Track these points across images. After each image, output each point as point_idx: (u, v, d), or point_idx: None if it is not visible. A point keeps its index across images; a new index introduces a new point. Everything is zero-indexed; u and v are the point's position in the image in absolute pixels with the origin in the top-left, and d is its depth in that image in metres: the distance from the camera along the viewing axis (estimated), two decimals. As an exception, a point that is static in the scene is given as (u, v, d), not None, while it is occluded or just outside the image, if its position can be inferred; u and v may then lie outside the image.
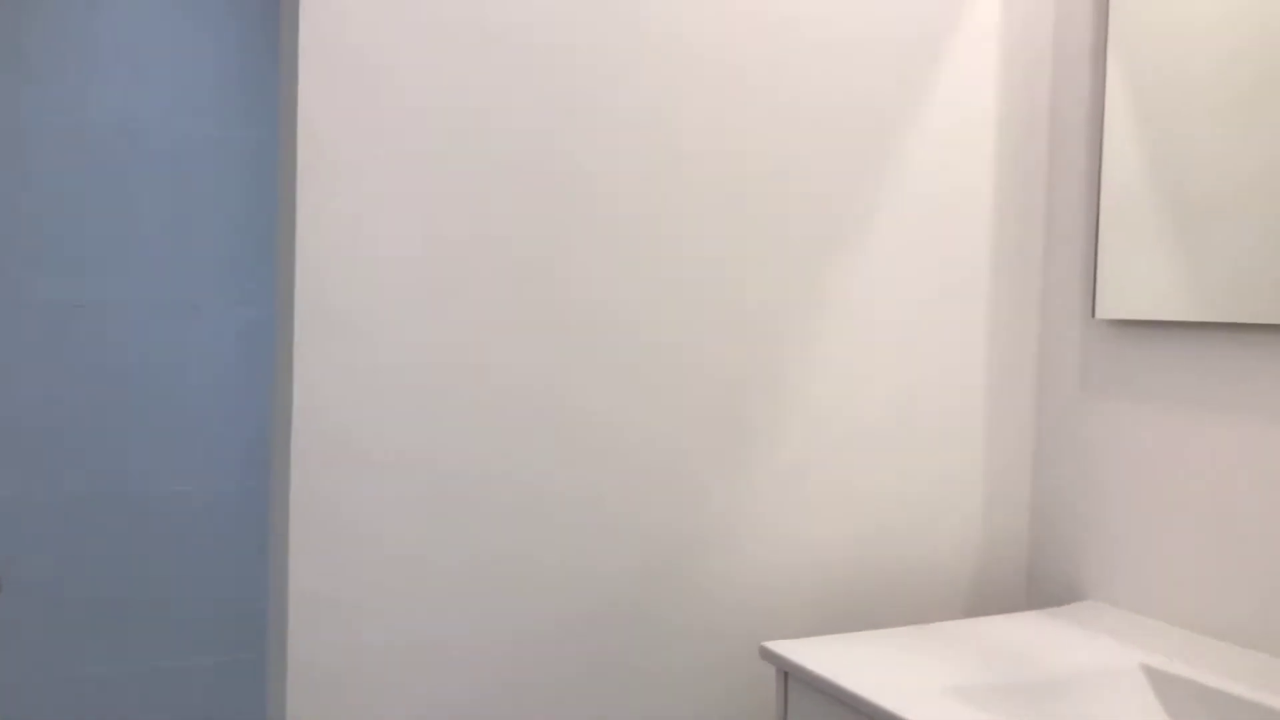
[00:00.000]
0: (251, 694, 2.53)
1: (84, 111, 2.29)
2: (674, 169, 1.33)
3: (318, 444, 1.18)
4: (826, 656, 1.23)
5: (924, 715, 1.06)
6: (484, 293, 1.25)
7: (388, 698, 1.23)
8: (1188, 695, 1.17)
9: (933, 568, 1.51)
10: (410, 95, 1.20)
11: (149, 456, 2.38)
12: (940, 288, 1.50)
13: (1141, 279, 1.39)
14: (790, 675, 1.25)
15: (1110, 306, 1.43)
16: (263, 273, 2.48)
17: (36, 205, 2.26)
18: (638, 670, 1.35)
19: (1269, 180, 1.25)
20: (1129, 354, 1.43)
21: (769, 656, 1.26)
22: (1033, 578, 1.56)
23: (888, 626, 1.49)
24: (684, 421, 1.36)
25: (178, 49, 2.39)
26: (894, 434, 1.48)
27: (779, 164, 1.39)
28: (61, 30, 2.28)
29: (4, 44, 2.23)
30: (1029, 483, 1.57)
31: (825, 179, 1.42)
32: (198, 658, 2.46)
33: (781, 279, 1.40)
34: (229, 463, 2.46)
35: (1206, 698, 1.16)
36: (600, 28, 1.29)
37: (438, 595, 1.24)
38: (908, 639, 1.30)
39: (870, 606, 1.48)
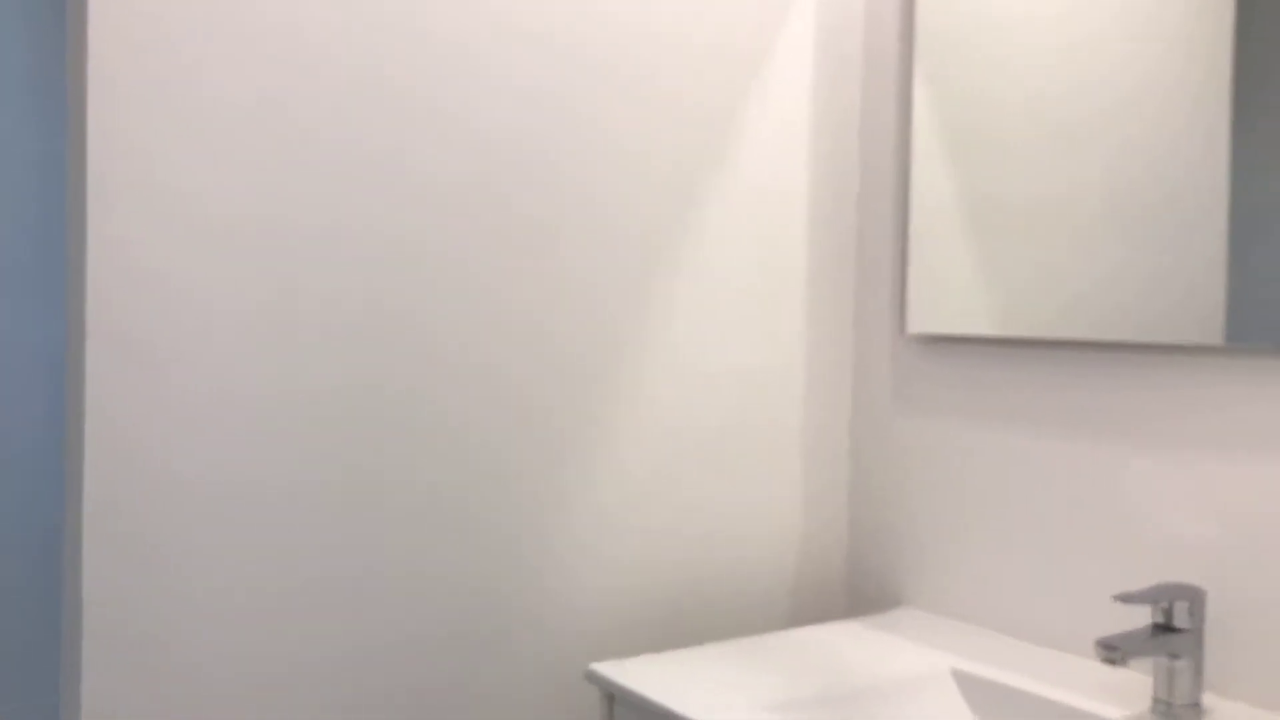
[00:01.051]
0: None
1: None
2: (487, 189, 1.32)
3: (113, 462, 1.12)
4: (651, 677, 1.23)
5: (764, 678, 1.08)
6: (299, 304, 1.20)
7: (197, 744, 1.17)
8: (993, 696, 1.23)
9: (755, 580, 1.54)
10: (204, 87, 1.15)
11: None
12: (759, 306, 1.53)
13: (946, 296, 1.45)
14: (615, 698, 1.25)
15: (918, 322, 1.49)
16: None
17: None
18: (467, 693, 1.33)
19: (1060, 206, 1.32)
20: (937, 368, 1.49)
21: (594, 679, 1.26)
22: (851, 586, 1.61)
23: (713, 639, 1.51)
24: (508, 447, 1.34)
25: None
26: (714, 450, 1.50)
27: (596, 187, 1.39)
28: None
29: None
30: (846, 494, 1.61)
31: (646, 202, 1.43)
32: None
33: (603, 299, 1.40)
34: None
35: (1011, 698, 1.21)
36: (398, 46, 1.26)
37: (256, 619, 1.19)
38: (731, 654, 1.32)
39: (696, 621, 1.49)
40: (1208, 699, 1.18)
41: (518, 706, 1.37)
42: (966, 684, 1.26)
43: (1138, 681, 1.24)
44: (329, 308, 1.22)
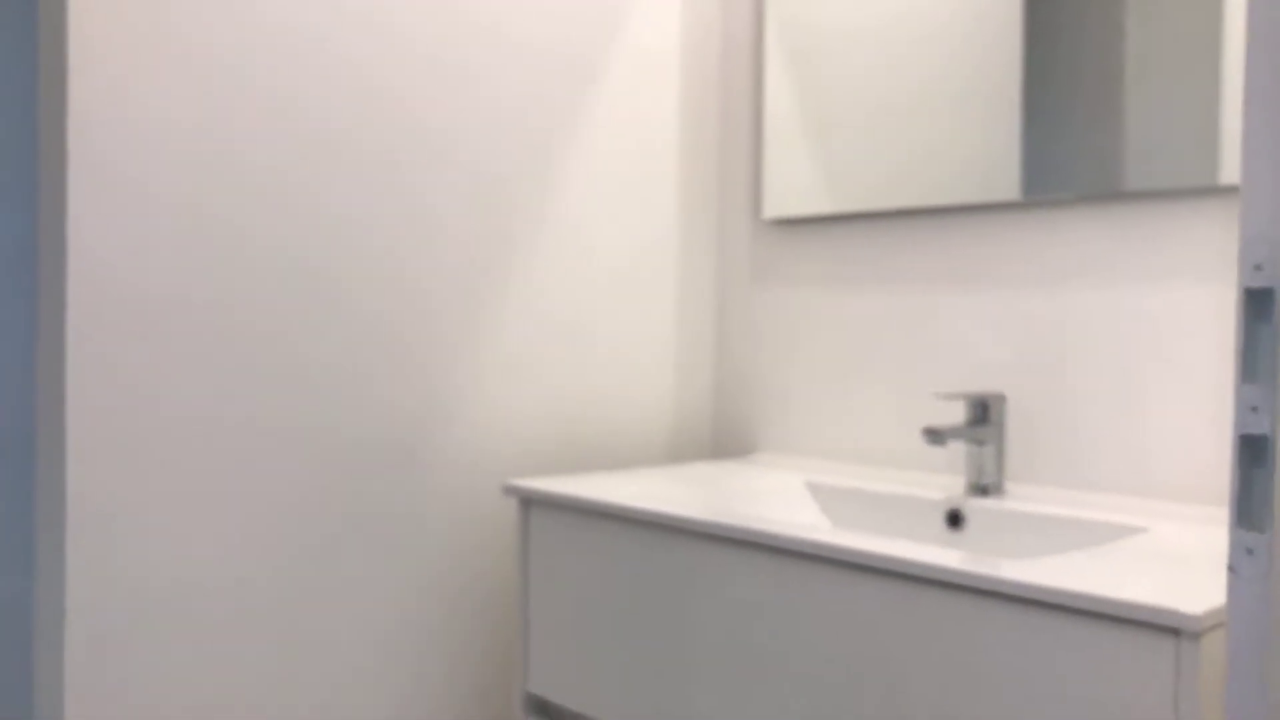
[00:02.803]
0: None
1: None
2: (393, 92, 1.51)
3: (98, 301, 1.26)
4: (559, 485, 1.45)
5: (646, 503, 1.31)
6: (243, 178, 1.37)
7: (159, 546, 1.32)
8: (838, 496, 1.50)
9: (634, 432, 1.77)
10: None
11: None
12: (638, 198, 1.76)
13: (793, 184, 1.71)
14: (532, 501, 1.46)
15: (771, 208, 1.75)
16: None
17: None
18: (393, 518, 1.51)
19: (881, 101, 1.60)
20: (787, 246, 1.76)
21: (511, 490, 1.46)
22: (716, 436, 1.86)
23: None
24: (430, 302, 1.53)
25: None
26: (599, 319, 1.73)
27: (492, 93, 1.60)
28: None
29: None
30: (711, 358, 1.87)
31: (529, 111, 1.64)
32: None
33: (506, 195, 1.61)
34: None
35: (854, 496, 1.48)
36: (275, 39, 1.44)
37: (215, 452, 1.35)
38: (622, 475, 1.55)
39: (584, 460, 1.71)
40: (1007, 485, 1.48)
41: (437, 521, 1.56)
42: (817, 491, 1.52)
43: (956, 486, 1.52)
44: (258, 197, 1.39)
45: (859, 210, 1.64)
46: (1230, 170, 1.27)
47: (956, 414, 1.55)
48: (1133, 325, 1.36)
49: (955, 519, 1.38)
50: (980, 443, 1.42)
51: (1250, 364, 0.61)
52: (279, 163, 1.40)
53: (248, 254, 1.38)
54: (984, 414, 1.42)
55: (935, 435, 1.37)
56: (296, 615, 1.44)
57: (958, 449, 1.54)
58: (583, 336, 1.71)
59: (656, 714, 1.29)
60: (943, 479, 1.53)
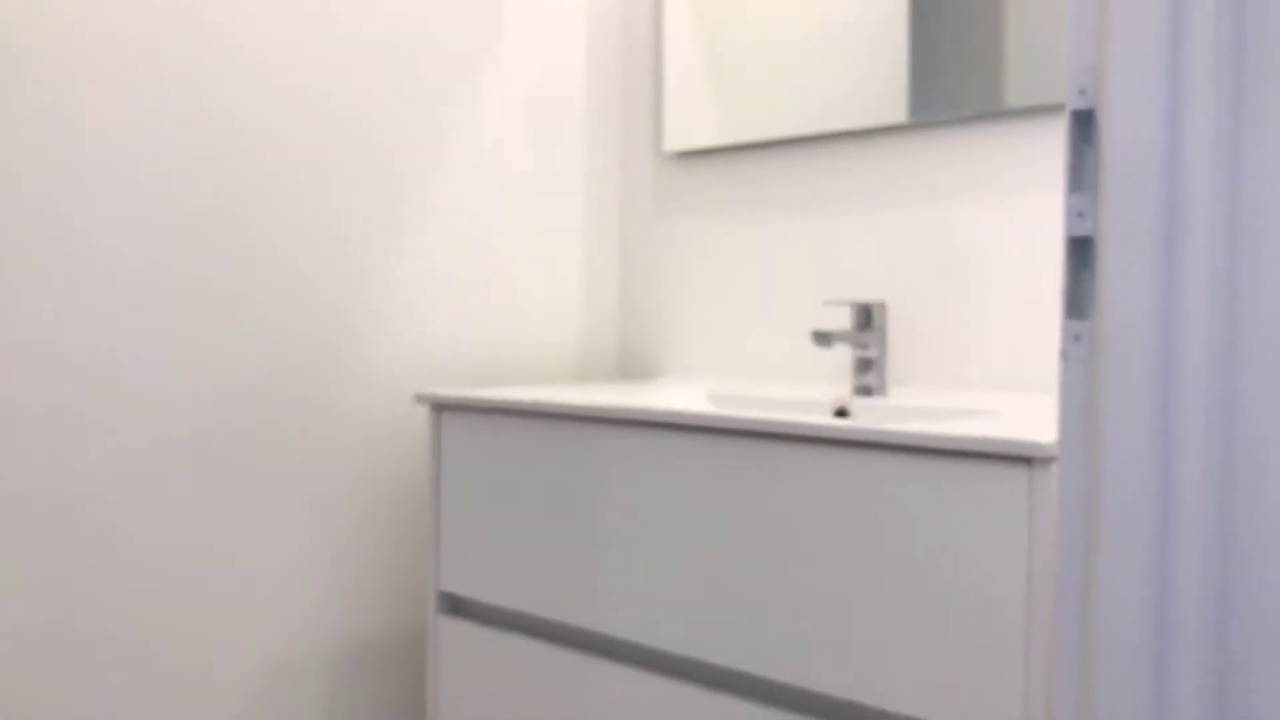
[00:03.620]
0: None
1: None
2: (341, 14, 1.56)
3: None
4: (469, 391, 1.52)
5: (558, 395, 1.39)
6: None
7: (58, 473, 1.35)
8: (732, 399, 1.59)
9: (542, 353, 1.84)
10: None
11: None
12: (543, 133, 1.83)
13: (693, 118, 1.81)
14: (443, 407, 1.52)
15: (672, 141, 1.84)
16: None
17: None
18: (307, 438, 1.56)
19: (772, 36, 1.70)
20: (688, 177, 1.85)
21: (423, 397, 1.53)
22: (621, 360, 1.95)
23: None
24: (340, 230, 1.59)
25: None
26: (511, 247, 1.79)
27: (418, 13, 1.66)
28: None
29: None
30: (617, 286, 1.95)
31: (436, 43, 1.70)
32: None
33: (418, 120, 1.66)
34: None
35: (746, 399, 1.58)
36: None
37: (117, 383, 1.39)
38: (529, 388, 1.62)
39: (492, 383, 1.78)
40: (890, 388, 1.59)
41: (349, 437, 1.61)
42: (716, 398, 1.62)
43: (845, 392, 1.63)
44: (182, 129, 1.43)
45: (754, 140, 1.73)
46: (1086, 89, 1.40)
47: (844, 323, 1.65)
48: (1008, 236, 1.48)
49: (841, 414, 1.49)
50: (864, 347, 1.53)
51: (1077, 176, 0.72)
52: (178, 74, 1.44)
53: (143, 182, 1.42)
54: (868, 320, 1.53)
55: (823, 337, 1.47)
56: (211, 534, 1.48)
57: (846, 364, 1.64)
58: (490, 265, 1.77)
59: (565, 596, 1.37)
60: (834, 388, 1.63)
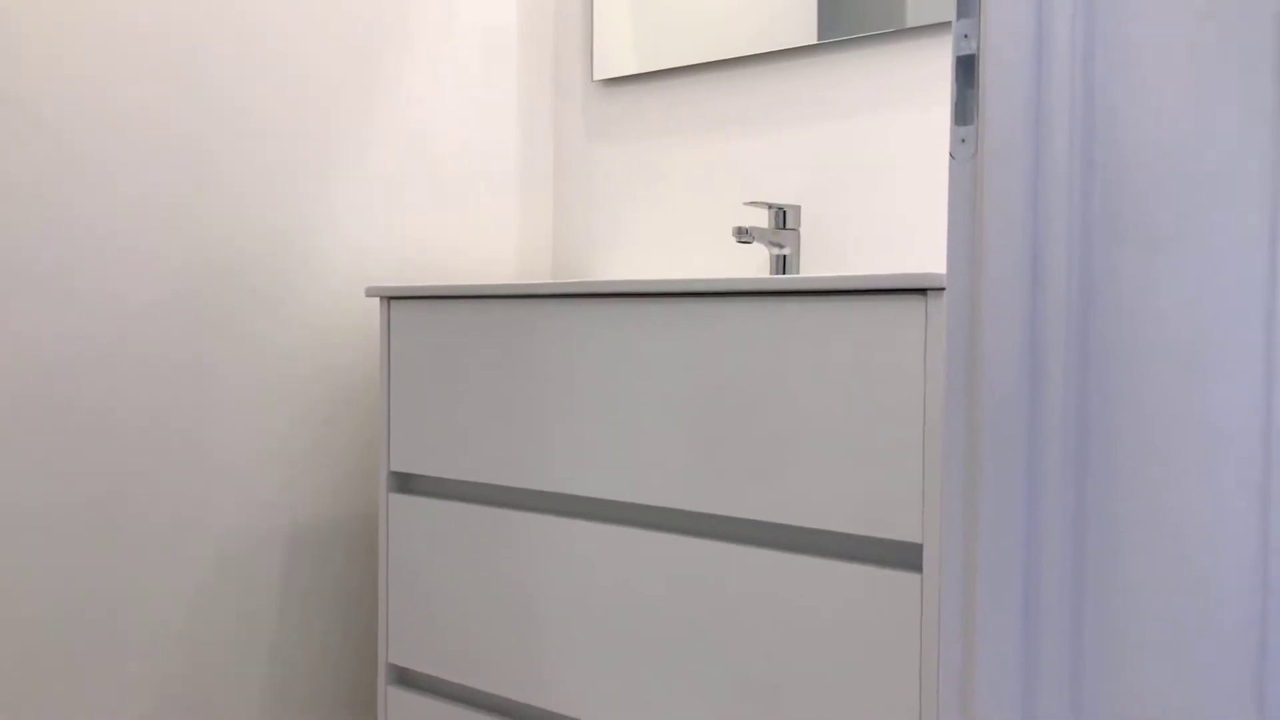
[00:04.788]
0: None
1: None
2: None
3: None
4: (419, 283, 1.63)
5: (498, 280, 1.51)
6: None
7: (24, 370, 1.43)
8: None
9: (484, 266, 1.96)
10: None
11: None
12: (479, 63, 1.94)
13: (618, 48, 1.94)
14: (393, 299, 1.63)
15: (602, 70, 1.97)
16: None
17: None
18: (266, 318, 1.66)
19: (703, -35, 1.84)
20: (617, 103, 1.98)
21: (374, 290, 1.63)
22: (557, 275, 2.07)
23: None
24: (297, 139, 1.68)
25: None
26: (447, 170, 1.90)
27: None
28: None
29: None
30: (551, 209, 2.07)
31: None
32: None
33: (360, 38, 1.77)
34: None
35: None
36: None
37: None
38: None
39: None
40: (804, 288, 1.74)
41: (308, 324, 1.71)
42: (645, 299, 1.75)
43: (760, 286, 1.78)
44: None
45: (677, 65, 1.87)
46: (977, 7, 1.56)
47: (763, 225, 1.80)
48: (910, 144, 1.64)
49: (761, 303, 1.64)
50: (780, 246, 1.68)
51: (963, 5, 0.87)
52: (157, -21, 1.52)
53: (109, 86, 1.50)
54: (783, 220, 1.68)
55: (743, 233, 1.61)
56: (172, 420, 1.57)
57: (764, 268, 1.79)
58: (431, 183, 1.88)
59: (509, 461, 1.49)
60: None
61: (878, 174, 1.67)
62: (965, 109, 0.87)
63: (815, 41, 1.71)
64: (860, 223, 1.69)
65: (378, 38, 1.79)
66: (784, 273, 1.67)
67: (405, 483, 1.65)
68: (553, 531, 1.45)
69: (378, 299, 1.75)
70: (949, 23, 1.59)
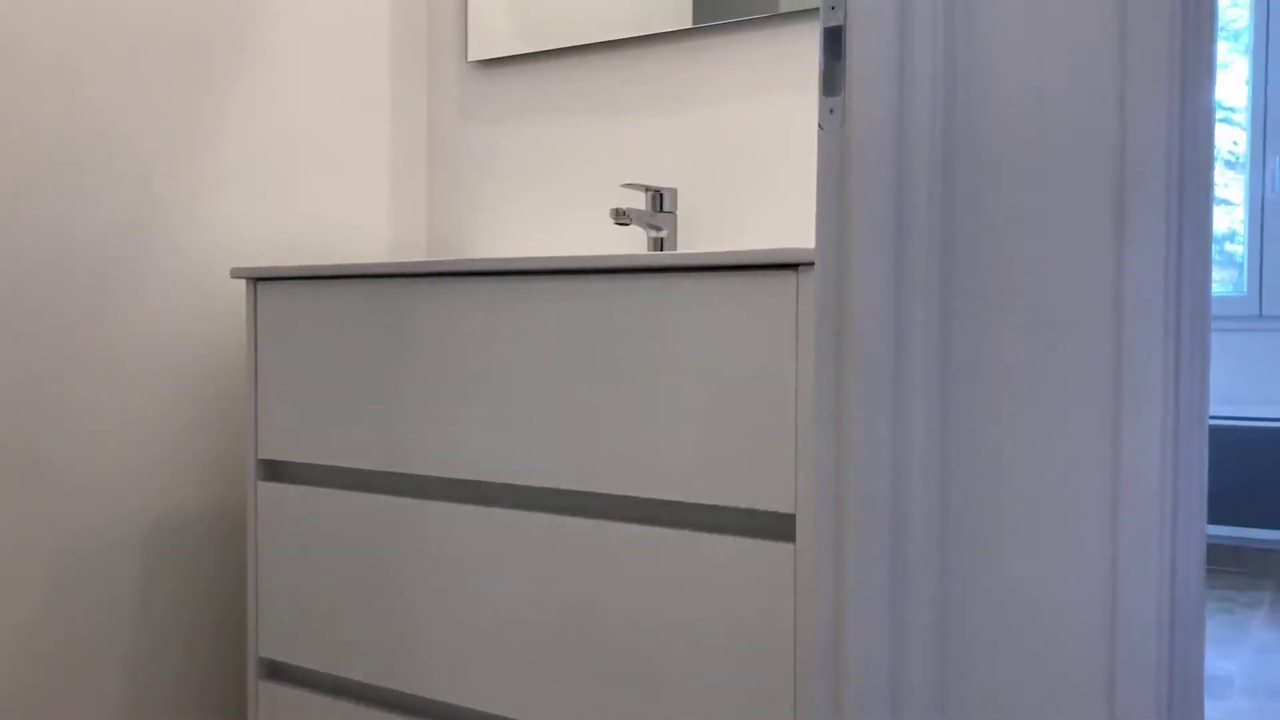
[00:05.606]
0: None
1: None
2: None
3: None
4: (286, 263, 1.59)
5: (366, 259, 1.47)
6: None
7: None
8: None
9: (354, 256, 1.91)
10: None
11: None
12: (349, 46, 1.90)
13: (494, 29, 1.92)
14: (259, 280, 1.58)
15: (476, 51, 1.95)
16: None
17: None
18: (119, 305, 1.59)
19: (579, -52, 1.83)
20: (492, 85, 1.96)
21: (239, 271, 1.58)
22: (431, 255, 2.03)
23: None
24: (155, 116, 1.62)
25: None
26: (321, 154, 1.86)
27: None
28: None
29: None
30: (425, 193, 2.04)
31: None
32: None
33: (226, 16, 1.71)
34: None
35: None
36: None
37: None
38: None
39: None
40: (681, 271, 1.74)
41: (168, 309, 1.65)
42: (522, 282, 1.73)
43: (637, 270, 1.78)
44: None
45: (553, 47, 1.86)
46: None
47: (640, 206, 1.80)
48: (783, 128, 1.66)
49: (638, 285, 1.64)
50: (657, 228, 1.68)
51: (829, 80, 0.88)
52: (3, -57, 1.45)
53: (-28, 27, 1.42)
54: (660, 203, 1.68)
55: (621, 215, 1.61)
56: (17, 413, 1.49)
57: (642, 249, 1.79)
58: (300, 164, 1.83)
59: (383, 452, 1.46)
60: (628, 272, 1.78)
61: (753, 158, 1.68)
62: (833, 80, 0.88)
63: (690, 26, 1.72)
64: (736, 206, 1.70)
65: (240, 13, 1.74)
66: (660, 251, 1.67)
67: (274, 470, 1.60)
68: (426, 516, 1.43)
69: (244, 280, 1.70)
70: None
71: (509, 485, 1.37)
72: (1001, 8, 0.87)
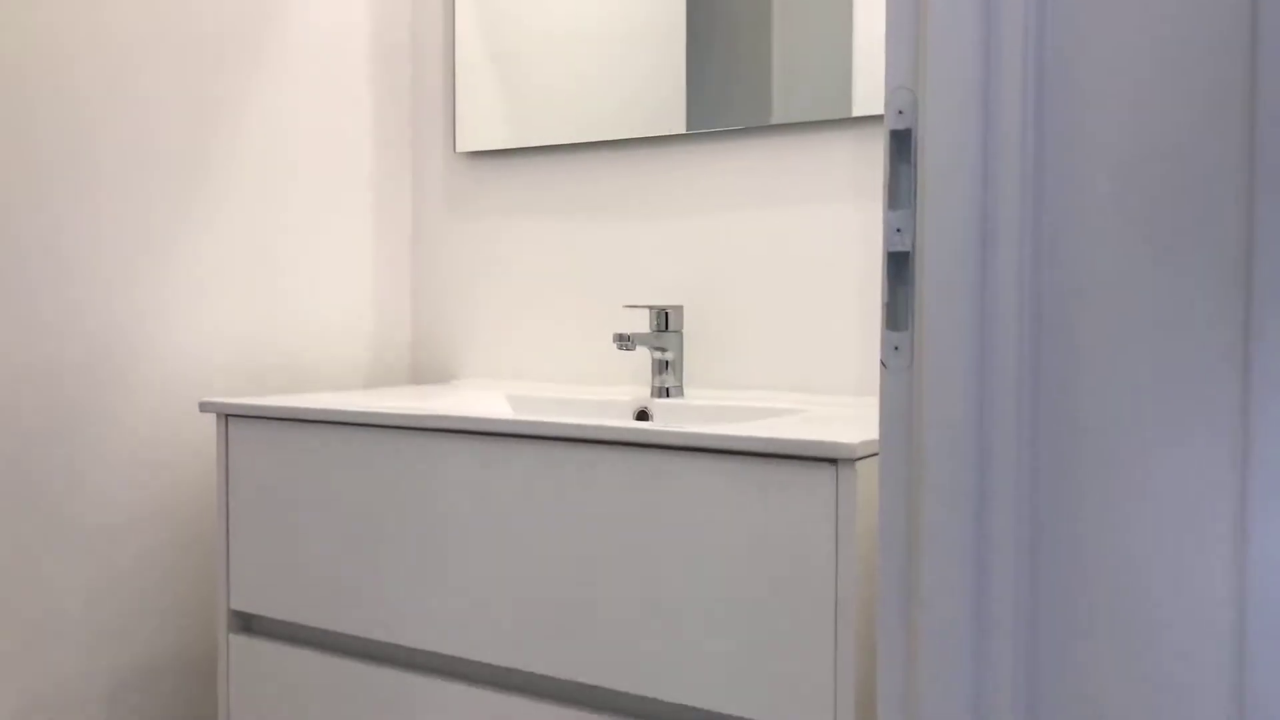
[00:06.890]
0: None
1: None
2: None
3: None
4: (257, 399, 1.45)
5: (351, 402, 1.34)
6: None
7: None
8: (533, 402, 1.59)
9: (332, 357, 1.78)
10: None
11: None
12: (329, 138, 1.76)
13: (486, 120, 1.79)
14: (230, 416, 1.45)
15: (465, 142, 1.81)
16: None
17: None
18: (74, 439, 1.45)
19: (559, 46, 1.70)
20: (481, 179, 1.82)
21: (209, 406, 1.44)
22: (415, 365, 1.90)
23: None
24: (115, 224, 1.48)
25: None
26: (295, 250, 1.72)
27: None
28: None
29: None
30: (409, 291, 1.90)
31: (216, 41, 1.61)
32: None
33: (203, 114, 1.57)
34: None
35: (547, 402, 1.58)
36: None
37: None
38: (319, 395, 1.56)
39: (279, 390, 1.71)
40: (687, 390, 1.62)
41: (130, 445, 1.51)
42: (515, 401, 1.61)
43: (644, 393, 1.65)
44: None
45: (544, 144, 1.73)
46: (861, 104, 1.47)
47: (643, 326, 1.68)
48: (786, 242, 1.54)
49: (643, 416, 1.51)
50: (663, 349, 1.55)
51: (895, 193, 0.76)
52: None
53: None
54: (665, 323, 1.56)
55: (624, 340, 1.49)
56: (-31, 543, 1.35)
57: (644, 365, 1.66)
58: (278, 266, 1.70)
59: (360, 610, 1.33)
60: (632, 389, 1.65)
61: (755, 273, 1.56)
62: (898, 313, 0.76)
63: (684, 131, 1.60)
64: (743, 327, 1.58)
65: (217, 111, 1.60)
66: (666, 374, 1.55)
67: (247, 622, 1.47)
68: (407, 691, 1.30)
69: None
70: (812, 123, 1.49)
71: (502, 668, 1.25)
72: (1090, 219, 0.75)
